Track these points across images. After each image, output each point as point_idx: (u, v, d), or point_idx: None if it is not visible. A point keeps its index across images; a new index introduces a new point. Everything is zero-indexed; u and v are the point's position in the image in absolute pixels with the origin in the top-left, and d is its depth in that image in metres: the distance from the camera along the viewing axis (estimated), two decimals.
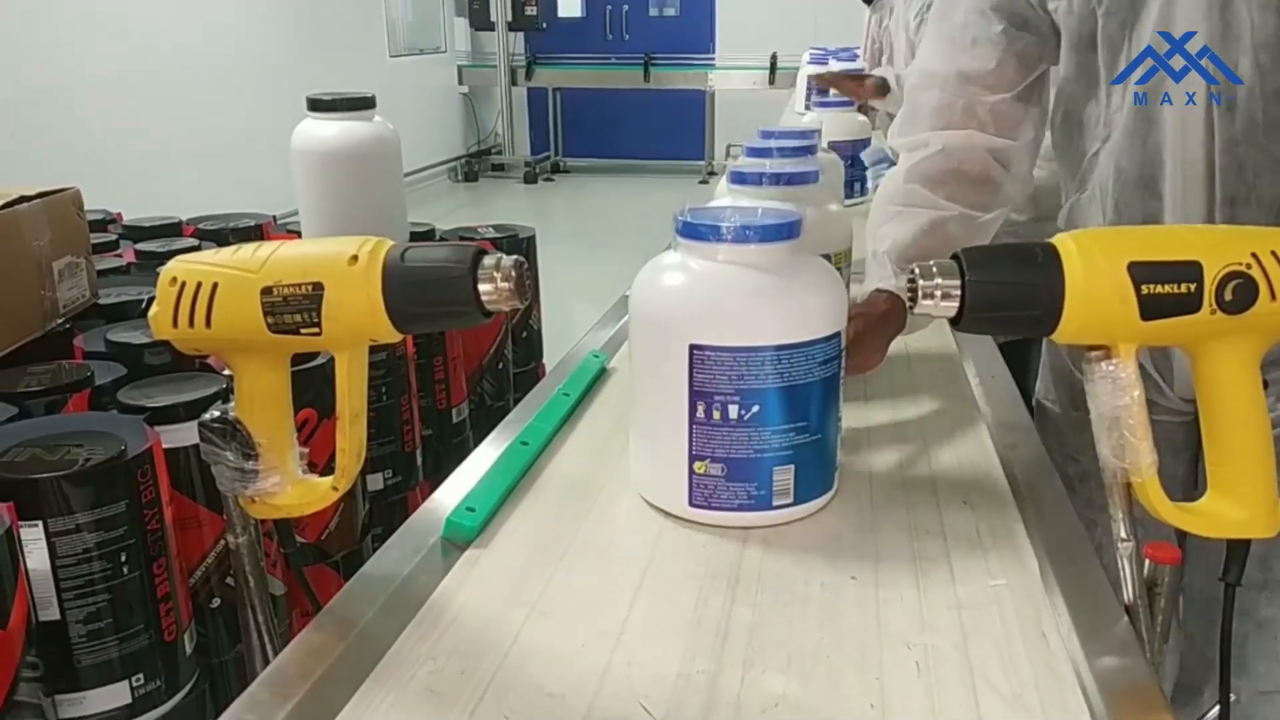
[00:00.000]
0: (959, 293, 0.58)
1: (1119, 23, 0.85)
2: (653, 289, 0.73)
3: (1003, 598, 0.63)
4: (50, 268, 1.24)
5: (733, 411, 0.68)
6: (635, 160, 7.63)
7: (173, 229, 1.83)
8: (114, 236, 1.77)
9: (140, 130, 4.22)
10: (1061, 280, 0.56)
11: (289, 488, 0.66)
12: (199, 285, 0.60)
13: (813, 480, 0.72)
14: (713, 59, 7.40)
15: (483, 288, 0.58)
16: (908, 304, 0.60)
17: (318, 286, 0.58)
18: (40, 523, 0.83)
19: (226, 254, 0.61)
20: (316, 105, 1.58)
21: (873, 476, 0.81)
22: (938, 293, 0.58)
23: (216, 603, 1.05)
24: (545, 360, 1.92)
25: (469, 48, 7.70)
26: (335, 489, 0.65)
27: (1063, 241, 0.57)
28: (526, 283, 0.60)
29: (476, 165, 7.44)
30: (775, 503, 0.71)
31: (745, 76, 7.08)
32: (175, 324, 0.60)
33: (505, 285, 0.58)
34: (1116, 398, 0.57)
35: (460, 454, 1.60)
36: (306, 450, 0.68)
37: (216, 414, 0.64)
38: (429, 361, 1.50)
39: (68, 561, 0.84)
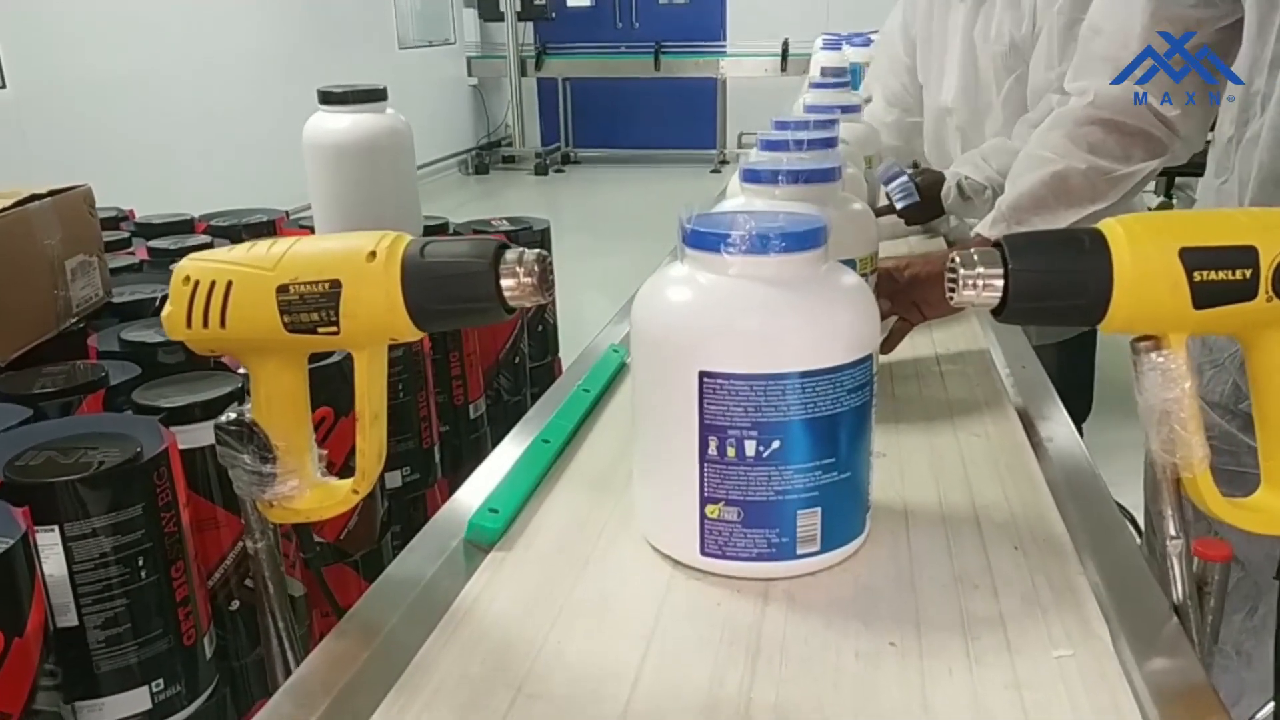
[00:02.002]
0: (1002, 282, 0.56)
1: None
2: (656, 307, 0.64)
3: (1070, 673, 0.54)
4: (63, 267, 1.23)
5: (749, 448, 0.60)
6: (646, 150, 7.59)
7: (185, 226, 1.82)
8: (126, 234, 1.76)
9: (151, 127, 4.22)
10: (1109, 268, 0.54)
11: (308, 491, 0.64)
12: (213, 284, 0.58)
13: (842, 524, 0.64)
14: (724, 46, 7.35)
15: (505, 283, 0.56)
16: (947, 294, 0.58)
17: (335, 284, 0.56)
18: (56, 527, 0.82)
19: (241, 251, 0.59)
20: (328, 98, 1.56)
21: (909, 515, 0.72)
22: (979, 282, 0.56)
23: (235, 605, 1.04)
24: (561, 355, 1.91)
25: (478, 39, 7.67)
26: (356, 492, 0.64)
27: (1110, 227, 0.55)
28: (550, 277, 0.58)
29: (487, 157, 7.41)
30: (799, 551, 0.63)
31: (757, 64, 7.02)
32: (189, 324, 0.59)
33: (528, 280, 0.56)
34: (1167, 390, 0.54)
35: (478, 450, 1.60)
36: (325, 452, 0.67)
37: (233, 416, 0.63)
38: (445, 357, 1.48)
39: (85, 566, 0.83)
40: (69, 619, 0.84)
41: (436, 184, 6.71)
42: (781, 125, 1.05)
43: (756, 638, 0.59)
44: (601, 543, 0.70)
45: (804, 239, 0.61)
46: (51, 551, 0.82)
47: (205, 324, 0.58)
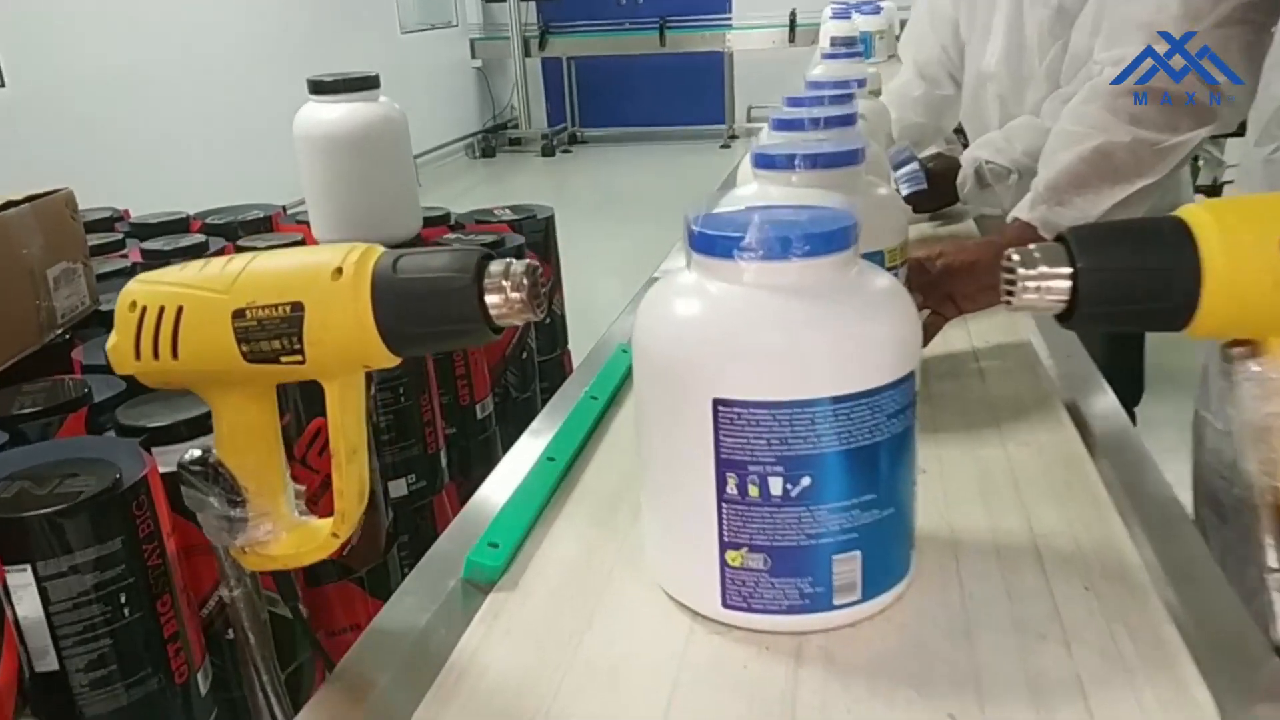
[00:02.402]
0: (1068, 283, 0.48)
1: None
2: (660, 322, 0.56)
3: None
4: (44, 276, 1.17)
5: (775, 485, 0.52)
6: (655, 128, 7.47)
7: (180, 225, 1.76)
8: (120, 235, 1.70)
9: (148, 120, 4.15)
10: (1197, 263, 0.46)
11: (284, 535, 0.58)
12: (162, 310, 0.51)
13: (885, 567, 0.56)
14: (729, 19, 7.21)
15: (490, 300, 0.49)
16: (1005, 299, 0.50)
17: (297, 307, 0.49)
18: (28, 566, 0.76)
19: (193, 270, 0.52)
20: (318, 87, 1.50)
21: (958, 546, 0.62)
22: (1042, 284, 0.48)
23: (233, 633, 0.98)
24: (571, 347, 1.83)
25: (480, 20, 7.56)
26: (336, 535, 0.57)
27: (1195, 214, 0.47)
28: (542, 290, 0.50)
29: (493, 140, 7.32)
30: (836, 601, 0.54)
31: (764, 36, 6.88)
32: (138, 355, 0.52)
33: (516, 296, 0.49)
34: (1268, 403, 0.47)
35: (487, 451, 1.53)
36: (304, 489, 0.60)
37: (196, 454, 0.56)
38: (448, 356, 1.41)
39: (62, 607, 0.77)
40: (48, 663, 0.78)
41: (443, 169, 6.63)
42: (794, 102, 0.97)
43: (791, 708, 0.50)
44: (612, 585, 0.62)
45: (831, 239, 0.52)
46: (25, 592, 0.77)
47: (155, 355, 0.52)
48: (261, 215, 1.77)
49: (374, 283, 0.49)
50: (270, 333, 0.50)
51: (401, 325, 0.49)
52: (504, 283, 0.49)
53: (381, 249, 0.51)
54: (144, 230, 1.74)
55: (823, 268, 0.52)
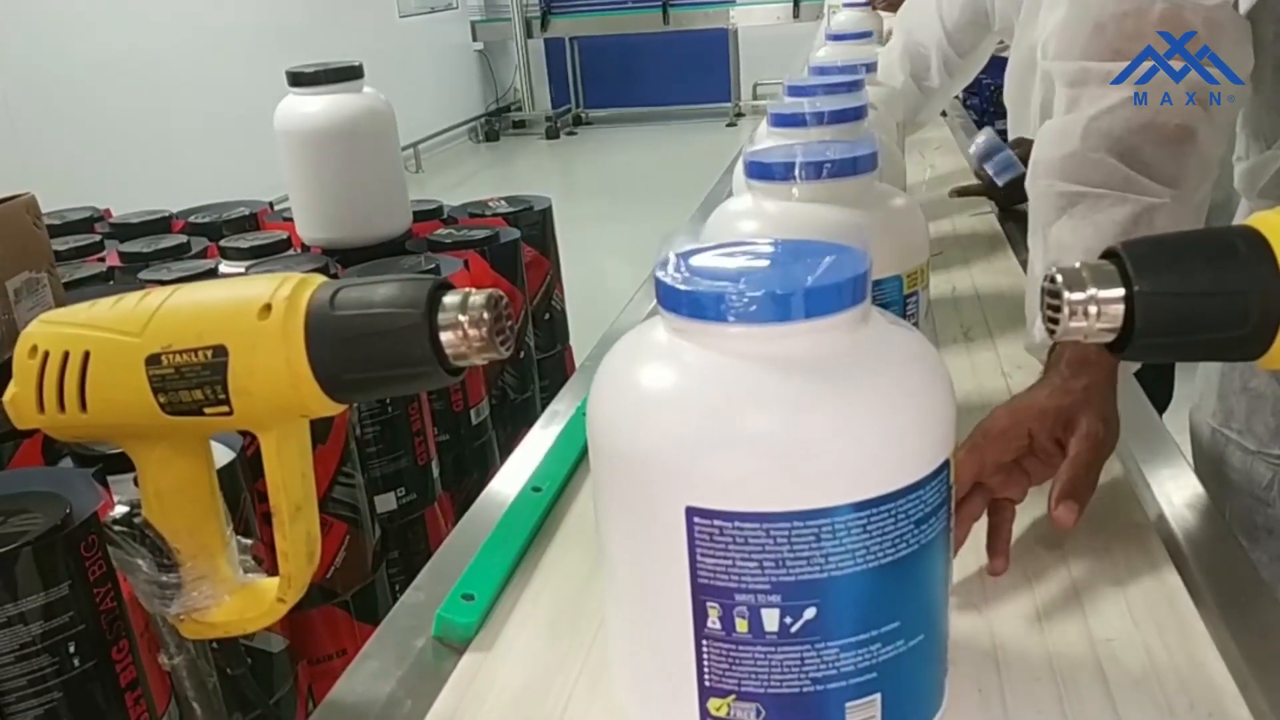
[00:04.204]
0: (1122, 308, 0.40)
1: None
2: (619, 399, 0.44)
3: None
4: (3, 288, 1.11)
5: (769, 619, 0.40)
6: (660, 107, 7.36)
7: (161, 225, 1.69)
8: (98, 237, 1.64)
9: (139, 115, 4.05)
10: (1278, 282, 0.38)
11: (226, 599, 0.51)
12: (66, 355, 0.44)
13: (912, 707, 0.45)
14: None
15: (445, 337, 0.42)
16: (1047, 329, 0.42)
17: (219, 351, 0.42)
18: None
19: (104, 309, 0.45)
20: (298, 79, 1.43)
21: (1000, 659, 0.51)
22: (1092, 309, 0.40)
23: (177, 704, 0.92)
24: (573, 343, 1.76)
25: (481, 1, 7.44)
26: (282, 600, 0.50)
27: (1272, 223, 0.39)
28: (507, 325, 0.43)
29: (497, 124, 7.23)
30: None
31: (768, 11, 6.77)
32: (41, 408, 0.45)
33: (476, 333, 0.42)
34: None
35: (482, 458, 1.46)
36: (250, 542, 0.53)
37: (123, 511, 0.50)
38: None
39: (6, 659, 0.71)
40: None
41: (446, 154, 6.54)
42: (796, 91, 0.87)
43: None
44: (582, 687, 0.52)
45: (844, 292, 0.40)
46: None
47: (61, 407, 0.45)
48: (247, 213, 1.71)
49: (308, 321, 0.42)
50: (190, 381, 0.43)
51: (342, 370, 0.42)
52: (461, 318, 0.42)
53: (320, 280, 0.44)
54: (124, 231, 1.68)
55: (832, 328, 0.40)
